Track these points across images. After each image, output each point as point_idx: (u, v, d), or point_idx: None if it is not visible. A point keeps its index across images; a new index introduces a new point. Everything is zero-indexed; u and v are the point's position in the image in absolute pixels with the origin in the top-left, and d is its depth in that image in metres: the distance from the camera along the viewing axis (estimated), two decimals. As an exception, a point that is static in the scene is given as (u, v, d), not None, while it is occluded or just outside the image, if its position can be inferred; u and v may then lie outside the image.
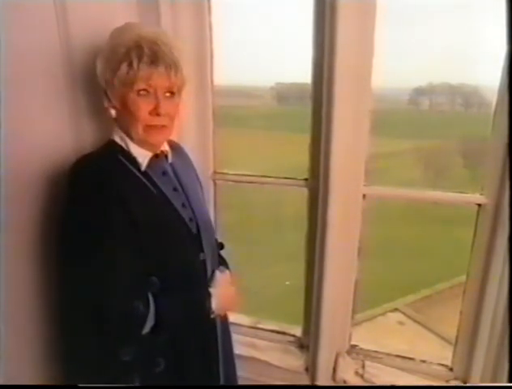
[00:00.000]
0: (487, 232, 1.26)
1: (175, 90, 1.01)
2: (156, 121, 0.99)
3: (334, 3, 1.16)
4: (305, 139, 1.40)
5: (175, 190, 1.07)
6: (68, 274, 0.98)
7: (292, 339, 1.61)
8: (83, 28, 1.14)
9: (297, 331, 1.60)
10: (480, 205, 1.28)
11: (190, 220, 1.07)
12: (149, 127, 0.99)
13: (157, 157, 1.06)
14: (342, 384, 1.46)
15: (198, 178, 1.22)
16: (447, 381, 1.41)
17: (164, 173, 1.07)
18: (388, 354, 1.50)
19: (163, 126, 1.01)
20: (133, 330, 0.96)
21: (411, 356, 1.48)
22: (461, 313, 1.38)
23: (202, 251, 1.08)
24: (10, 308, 1.17)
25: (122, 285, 0.94)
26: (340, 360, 1.48)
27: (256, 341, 1.61)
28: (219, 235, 1.31)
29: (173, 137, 1.14)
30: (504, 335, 1.25)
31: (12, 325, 1.19)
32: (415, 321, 6.94)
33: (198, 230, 1.08)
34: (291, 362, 1.54)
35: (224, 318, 1.21)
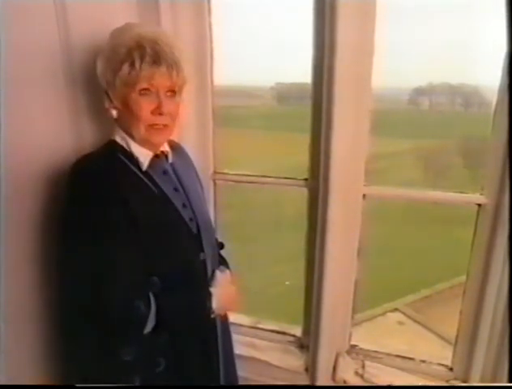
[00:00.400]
0: (487, 232, 1.26)
1: (176, 89, 1.01)
2: (158, 120, 0.99)
3: (334, 3, 1.16)
4: (305, 139, 1.40)
5: (176, 189, 1.07)
6: (69, 274, 0.98)
7: (292, 339, 1.61)
8: (83, 28, 1.14)
9: (297, 331, 1.60)
10: (480, 205, 1.28)
11: (191, 219, 1.07)
12: (151, 127, 0.99)
13: (157, 157, 1.06)
14: (342, 384, 1.46)
15: (198, 178, 1.22)
16: (447, 381, 1.41)
17: (165, 173, 1.07)
18: (388, 354, 1.50)
19: (164, 126, 1.01)
20: (134, 330, 0.96)
21: (411, 356, 1.48)
22: (461, 313, 1.38)
23: (203, 251, 1.08)
24: (10, 308, 1.17)
25: (123, 285, 0.94)
26: (340, 360, 1.48)
27: (256, 341, 1.61)
28: (219, 235, 1.31)
29: (174, 137, 1.14)
30: (504, 335, 1.25)
31: (12, 325, 1.19)
32: (415, 321, 6.94)
33: (199, 230, 1.08)
34: (291, 362, 1.54)
35: (225, 318, 1.21)
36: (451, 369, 1.42)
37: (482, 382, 1.34)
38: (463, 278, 1.38)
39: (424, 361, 1.46)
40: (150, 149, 1.03)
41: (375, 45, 1.24)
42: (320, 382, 1.48)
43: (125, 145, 1.03)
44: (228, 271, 1.18)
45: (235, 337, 1.30)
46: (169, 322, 0.98)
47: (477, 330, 1.31)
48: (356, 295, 1.48)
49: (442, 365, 1.45)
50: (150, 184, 1.02)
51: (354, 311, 1.50)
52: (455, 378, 1.41)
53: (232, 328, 1.28)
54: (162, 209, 1.03)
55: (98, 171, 0.97)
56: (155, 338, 0.98)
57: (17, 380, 1.22)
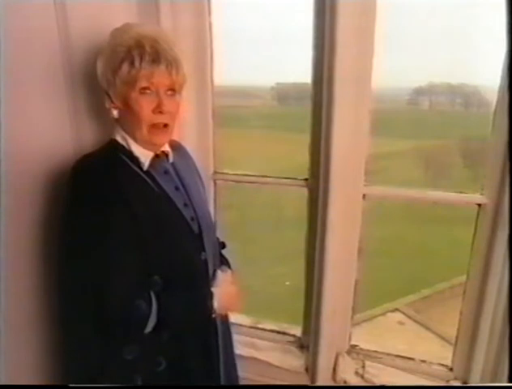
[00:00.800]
0: (487, 232, 1.26)
1: (176, 88, 1.01)
2: (159, 119, 0.99)
3: (334, 3, 1.16)
4: (305, 139, 1.40)
5: (177, 189, 1.07)
6: (70, 273, 0.98)
7: (292, 339, 1.61)
8: (83, 28, 1.14)
9: (297, 331, 1.60)
10: (480, 205, 1.28)
11: (192, 219, 1.07)
12: (153, 127, 0.99)
13: (158, 157, 1.06)
14: (342, 384, 1.46)
15: (200, 178, 1.22)
16: (447, 381, 1.41)
17: (166, 173, 1.07)
18: (388, 354, 1.50)
19: (165, 125, 1.01)
20: (135, 329, 0.96)
21: (411, 356, 1.48)
22: (461, 313, 1.38)
23: (204, 250, 1.08)
24: (10, 308, 1.17)
25: (124, 284, 0.94)
26: (340, 360, 1.48)
27: (256, 341, 1.61)
28: (219, 235, 1.31)
29: (174, 137, 1.14)
30: (504, 335, 1.25)
31: (12, 325, 1.19)
32: (415, 321, 6.94)
33: (200, 229, 1.08)
34: (291, 362, 1.54)
35: (225, 318, 1.21)
36: (451, 369, 1.42)
37: (482, 382, 1.34)
38: (463, 278, 1.38)
39: (424, 361, 1.46)
40: (150, 149, 1.03)
41: (375, 45, 1.24)
42: (320, 382, 1.48)
43: (125, 144, 1.03)
44: (229, 271, 1.18)
45: (235, 337, 1.29)
46: (170, 322, 0.98)
47: (477, 330, 1.31)
48: (356, 295, 1.48)
49: (442, 365, 1.45)
50: (151, 183, 1.02)
51: (354, 311, 1.50)
52: (455, 378, 1.41)
53: (232, 328, 1.28)
54: (163, 208, 1.03)
55: (99, 170, 0.97)
56: (157, 337, 0.98)
57: (17, 380, 1.22)
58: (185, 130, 1.39)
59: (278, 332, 1.64)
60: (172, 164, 1.10)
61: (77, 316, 0.99)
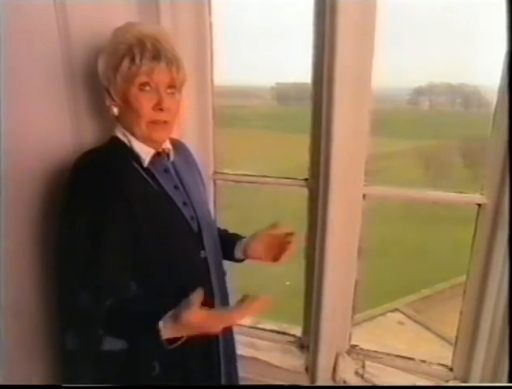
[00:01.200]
0: (487, 232, 1.26)
1: (176, 86, 1.01)
2: (159, 116, 0.99)
3: (334, 3, 1.16)
4: (305, 139, 1.40)
5: (176, 188, 1.07)
6: (70, 272, 0.98)
7: (292, 339, 1.61)
8: (83, 28, 1.14)
9: (297, 331, 1.60)
10: (480, 205, 1.28)
11: (191, 218, 1.07)
12: (152, 123, 0.99)
13: (159, 155, 1.06)
14: (342, 384, 1.46)
15: (200, 176, 1.22)
16: (447, 381, 1.41)
17: (166, 171, 1.07)
18: (388, 354, 1.50)
19: (165, 122, 1.01)
20: (135, 328, 0.96)
21: (411, 356, 1.48)
22: (461, 313, 1.38)
23: (204, 249, 1.08)
24: (10, 308, 1.17)
25: (123, 280, 0.94)
26: (340, 360, 1.48)
27: (256, 341, 1.61)
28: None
29: (175, 135, 1.14)
30: (504, 335, 1.25)
31: (12, 325, 1.19)
32: (415, 321, 6.95)
33: (200, 228, 1.08)
34: (291, 362, 1.54)
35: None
36: (451, 369, 1.42)
37: (482, 382, 1.34)
38: (463, 278, 1.38)
39: (424, 361, 1.46)
40: (151, 146, 1.03)
41: (375, 45, 1.24)
42: (320, 382, 1.48)
43: (126, 141, 1.03)
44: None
45: (235, 337, 1.29)
46: None
47: (477, 330, 1.31)
48: (356, 295, 1.48)
49: (442, 365, 1.45)
50: (151, 181, 1.02)
51: (354, 311, 1.50)
52: (455, 378, 1.41)
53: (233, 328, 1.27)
54: (162, 206, 1.03)
55: (99, 167, 0.97)
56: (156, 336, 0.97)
57: (17, 380, 1.22)
58: (185, 129, 1.39)
59: (278, 332, 1.64)
60: (173, 162, 1.10)
61: (75, 314, 0.98)
